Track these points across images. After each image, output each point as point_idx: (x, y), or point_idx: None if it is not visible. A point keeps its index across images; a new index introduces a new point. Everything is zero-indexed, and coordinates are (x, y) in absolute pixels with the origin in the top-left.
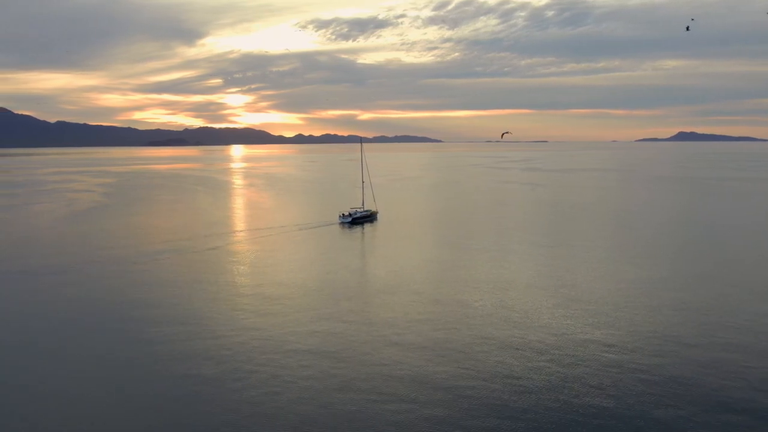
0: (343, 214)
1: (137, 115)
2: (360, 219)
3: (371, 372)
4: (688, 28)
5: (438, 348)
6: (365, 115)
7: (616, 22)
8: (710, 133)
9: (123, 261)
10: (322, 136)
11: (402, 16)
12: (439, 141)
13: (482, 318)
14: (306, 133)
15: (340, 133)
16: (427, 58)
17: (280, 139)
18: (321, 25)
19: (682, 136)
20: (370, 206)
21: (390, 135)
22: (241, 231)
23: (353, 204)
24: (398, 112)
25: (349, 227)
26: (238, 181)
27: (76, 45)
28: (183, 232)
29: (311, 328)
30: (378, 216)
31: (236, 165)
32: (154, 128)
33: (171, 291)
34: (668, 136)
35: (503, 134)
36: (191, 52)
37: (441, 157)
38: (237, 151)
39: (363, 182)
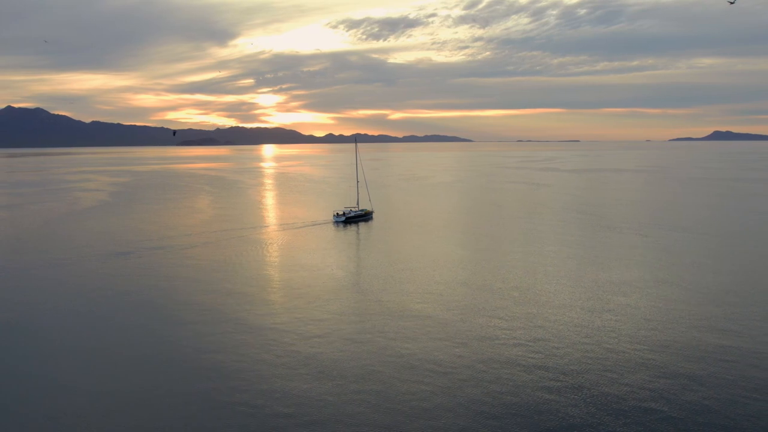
0: (337, 213)
1: (170, 115)
2: (354, 218)
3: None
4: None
5: (334, 368)
6: (395, 115)
7: (650, 19)
8: (747, 133)
9: (95, 259)
10: (353, 135)
11: (433, 15)
12: (470, 140)
13: (405, 333)
14: (336, 133)
15: (370, 133)
16: (457, 57)
17: (311, 139)
18: (352, 25)
19: (717, 136)
20: (365, 206)
21: (420, 134)
22: (227, 230)
23: (352, 203)
24: (429, 112)
25: (343, 226)
26: (248, 180)
27: (112, 46)
28: (166, 231)
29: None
30: (373, 215)
31: (255, 165)
32: (186, 128)
33: (135, 289)
34: (703, 135)
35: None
36: (223, 52)
37: (464, 156)
38: (265, 150)
39: (357, 182)
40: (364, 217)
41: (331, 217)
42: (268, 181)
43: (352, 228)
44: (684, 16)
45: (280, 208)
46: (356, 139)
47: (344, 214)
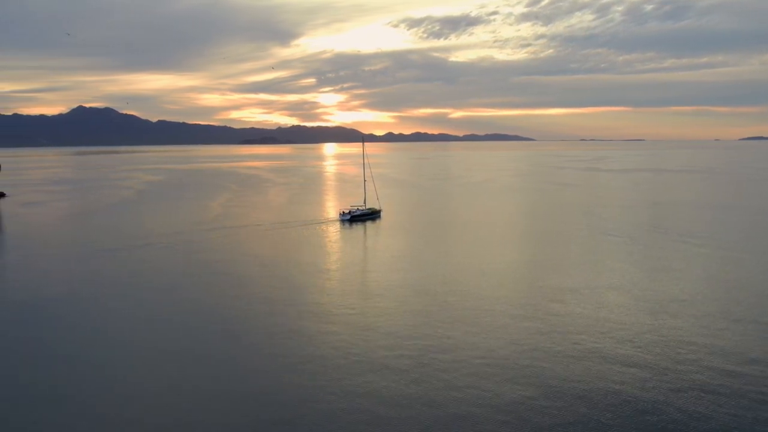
0: (343, 212)
1: (234, 114)
2: (360, 217)
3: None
4: None
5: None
6: (456, 114)
7: (720, 14)
8: None
9: (91, 255)
10: (412, 134)
11: (494, 13)
12: (531, 139)
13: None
14: (396, 132)
15: (430, 132)
16: (520, 55)
17: (371, 138)
18: (413, 23)
19: None
20: (373, 204)
21: (481, 133)
22: (225, 228)
23: (367, 202)
24: (490, 110)
25: (349, 225)
26: (278, 179)
27: (177, 47)
28: (157, 228)
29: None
30: (381, 214)
31: (298, 164)
32: (248, 127)
33: (123, 286)
34: None
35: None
36: (286, 52)
37: (516, 156)
38: (321, 149)
39: (365, 180)
40: (371, 216)
41: (337, 216)
42: (298, 180)
43: (357, 227)
44: (756, 9)
45: (289, 206)
46: (363, 138)
47: (350, 212)
